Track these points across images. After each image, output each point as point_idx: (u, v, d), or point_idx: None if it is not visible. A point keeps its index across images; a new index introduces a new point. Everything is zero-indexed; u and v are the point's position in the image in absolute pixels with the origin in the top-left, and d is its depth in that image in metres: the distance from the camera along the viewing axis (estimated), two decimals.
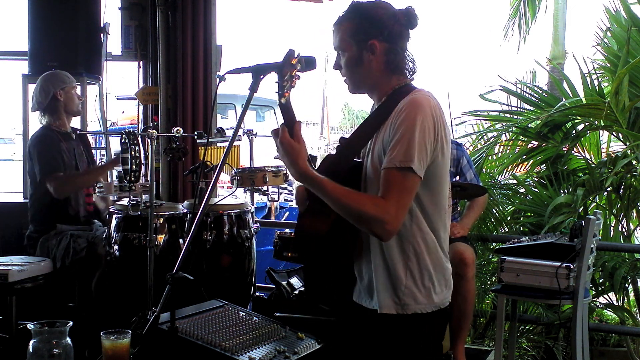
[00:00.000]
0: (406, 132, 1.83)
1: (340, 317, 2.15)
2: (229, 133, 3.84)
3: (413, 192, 1.86)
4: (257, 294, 3.87)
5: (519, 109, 5.16)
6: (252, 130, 4.05)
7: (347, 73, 2.01)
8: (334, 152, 2.10)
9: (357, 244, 2.00)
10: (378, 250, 1.96)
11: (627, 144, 4.50)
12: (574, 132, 4.88)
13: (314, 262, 2.09)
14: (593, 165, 4.69)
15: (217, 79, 2.38)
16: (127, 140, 3.23)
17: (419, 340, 1.96)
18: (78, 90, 4.17)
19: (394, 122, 1.88)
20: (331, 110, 29.80)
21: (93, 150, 4.52)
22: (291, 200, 8.45)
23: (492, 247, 4.40)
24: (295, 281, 3.58)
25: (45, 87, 3.95)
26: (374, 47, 1.95)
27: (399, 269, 1.93)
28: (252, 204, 3.85)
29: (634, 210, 4.49)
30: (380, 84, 2.00)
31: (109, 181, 4.19)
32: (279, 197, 6.71)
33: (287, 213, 7.91)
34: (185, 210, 3.62)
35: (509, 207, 4.83)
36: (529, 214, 4.69)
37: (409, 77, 2.01)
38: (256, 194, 3.95)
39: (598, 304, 4.45)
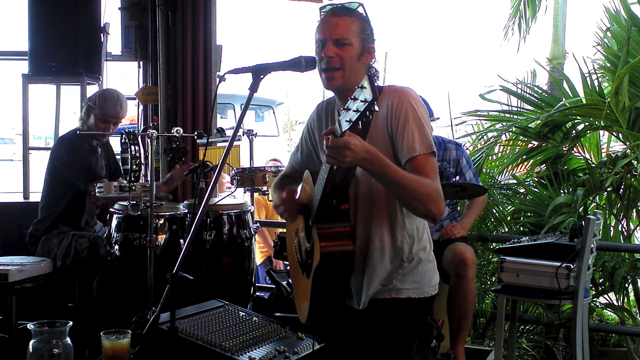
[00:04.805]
0: (414, 121, 1.95)
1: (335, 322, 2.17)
2: (229, 133, 3.84)
3: None
4: (257, 294, 3.87)
5: (519, 109, 5.15)
6: (252, 130, 4.05)
7: (347, 65, 2.02)
8: None
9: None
10: (372, 247, 2.03)
11: (627, 144, 4.50)
12: (574, 132, 4.87)
13: (342, 279, 2.08)
14: (593, 165, 4.69)
15: (217, 79, 2.38)
16: (127, 140, 3.23)
17: (412, 324, 2.08)
18: (119, 122, 3.97)
19: (395, 115, 1.97)
20: None
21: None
22: None
23: (492, 247, 4.40)
24: None
25: (92, 99, 3.94)
26: (373, 50, 2.08)
27: (392, 261, 2.03)
28: (252, 204, 3.85)
29: (634, 210, 4.49)
30: (355, 84, 2.03)
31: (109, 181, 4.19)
32: None
33: None
34: (186, 211, 3.62)
35: (509, 207, 4.83)
36: (529, 214, 4.69)
37: None
38: (256, 194, 3.96)
39: (598, 304, 4.45)
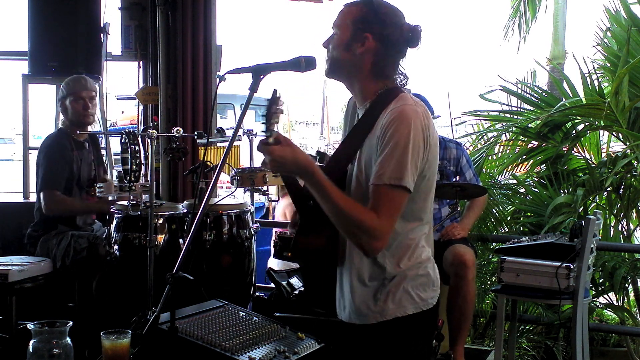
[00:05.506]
0: (397, 147, 1.79)
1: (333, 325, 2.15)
2: (229, 133, 3.84)
3: (402, 208, 1.84)
4: (257, 294, 3.87)
5: (519, 109, 5.16)
6: (252, 130, 4.05)
7: (331, 53, 1.97)
8: (325, 161, 2.10)
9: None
10: (351, 261, 1.96)
11: (627, 144, 4.51)
12: (574, 132, 4.88)
13: (314, 272, 2.08)
14: (593, 165, 4.69)
15: (217, 79, 2.38)
16: (127, 140, 3.23)
17: (403, 344, 1.95)
18: (93, 97, 3.97)
19: (382, 134, 1.83)
20: (331, 110, 29.75)
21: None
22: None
23: (492, 247, 4.40)
24: (295, 281, 3.58)
25: (60, 91, 3.95)
26: (365, 40, 1.91)
27: (373, 279, 1.92)
28: (252, 204, 3.85)
29: (634, 210, 4.49)
30: (363, 83, 1.97)
31: (109, 181, 4.19)
32: (278, 197, 6.71)
33: None
34: (186, 210, 3.62)
35: (509, 207, 4.83)
36: (529, 214, 4.69)
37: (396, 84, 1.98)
38: (256, 194, 3.95)
39: (598, 304, 4.46)
